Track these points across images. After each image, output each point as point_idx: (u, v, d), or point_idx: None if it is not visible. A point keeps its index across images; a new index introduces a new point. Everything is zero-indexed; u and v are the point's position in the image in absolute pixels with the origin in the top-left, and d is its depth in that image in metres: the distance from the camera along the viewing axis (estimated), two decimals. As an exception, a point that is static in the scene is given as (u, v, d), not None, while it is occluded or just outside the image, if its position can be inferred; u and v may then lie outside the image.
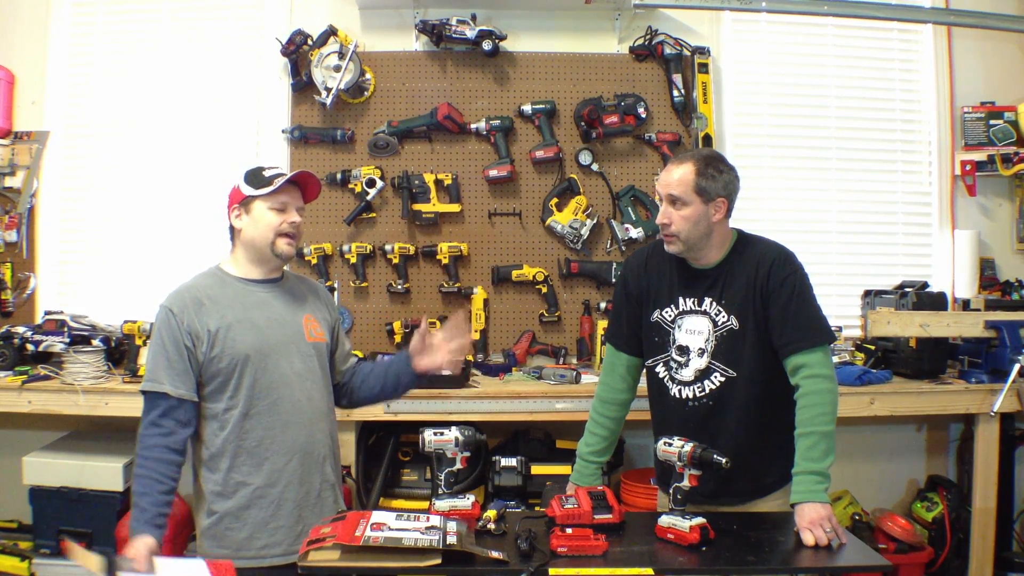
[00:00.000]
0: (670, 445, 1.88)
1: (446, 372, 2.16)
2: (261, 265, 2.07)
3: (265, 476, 1.97)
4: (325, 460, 2.06)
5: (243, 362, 1.95)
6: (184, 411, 1.93)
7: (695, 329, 2.09)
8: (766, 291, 2.03)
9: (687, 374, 2.09)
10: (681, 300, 2.12)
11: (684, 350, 2.10)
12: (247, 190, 2.03)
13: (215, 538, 1.98)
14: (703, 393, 2.07)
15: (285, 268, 2.16)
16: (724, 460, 1.80)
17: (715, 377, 2.06)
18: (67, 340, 3.16)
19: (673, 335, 2.12)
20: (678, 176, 2.05)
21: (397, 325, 3.48)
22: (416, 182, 3.50)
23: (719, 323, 2.06)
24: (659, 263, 2.18)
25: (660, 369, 2.15)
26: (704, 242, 2.07)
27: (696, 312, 2.10)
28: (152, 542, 1.83)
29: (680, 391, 2.10)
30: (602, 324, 3.38)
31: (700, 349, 2.08)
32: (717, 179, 2.04)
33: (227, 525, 1.96)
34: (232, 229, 2.07)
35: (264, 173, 2.05)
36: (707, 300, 2.08)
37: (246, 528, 1.95)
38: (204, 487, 2.00)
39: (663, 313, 2.14)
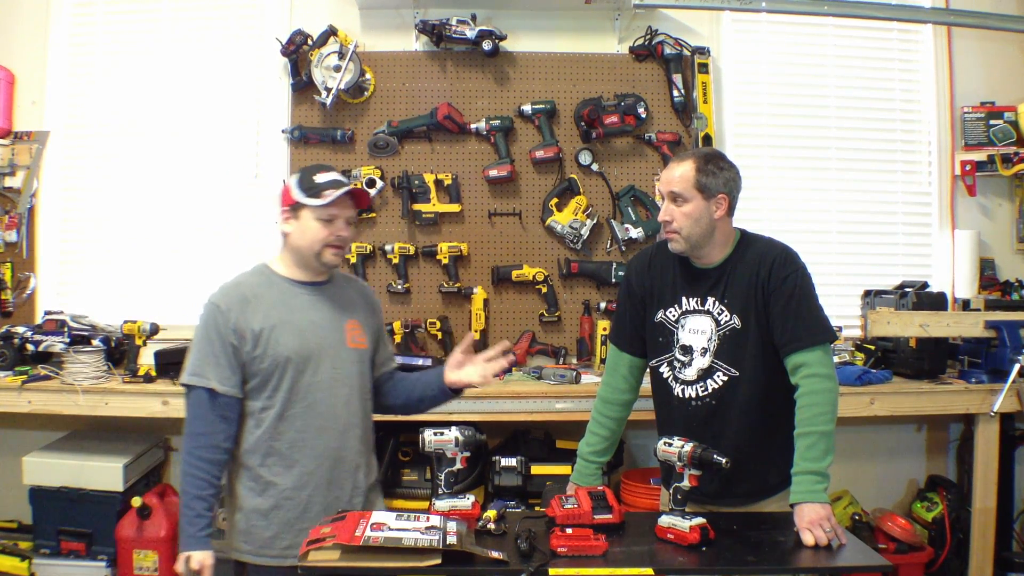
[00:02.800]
0: (670, 445, 1.88)
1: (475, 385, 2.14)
2: (307, 269, 2.06)
3: (295, 478, 1.97)
4: (358, 468, 2.06)
5: (283, 364, 1.96)
6: (229, 407, 1.95)
7: (698, 329, 2.09)
8: (768, 290, 2.03)
9: (690, 373, 2.09)
10: (684, 300, 2.12)
11: (687, 350, 2.10)
12: (297, 195, 1.99)
13: (241, 534, 1.99)
14: (706, 392, 2.08)
15: (333, 271, 2.16)
16: (724, 460, 1.80)
17: (718, 376, 2.06)
18: (67, 340, 3.15)
19: (677, 335, 2.12)
20: (679, 173, 2.05)
21: (397, 325, 3.48)
22: (416, 182, 3.50)
23: (722, 322, 2.07)
24: (662, 263, 2.18)
25: (664, 369, 2.15)
26: (707, 240, 2.07)
27: (699, 312, 2.10)
28: (210, 556, 1.87)
29: (683, 391, 2.10)
30: (602, 324, 3.38)
31: (703, 348, 2.08)
32: (718, 176, 2.05)
33: (253, 522, 1.98)
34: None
35: (316, 179, 2.00)
36: (710, 299, 2.09)
37: (272, 527, 1.96)
38: (235, 483, 2.02)
39: (667, 313, 2.14)
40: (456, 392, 2.15)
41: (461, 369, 2.12)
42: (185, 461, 1.94)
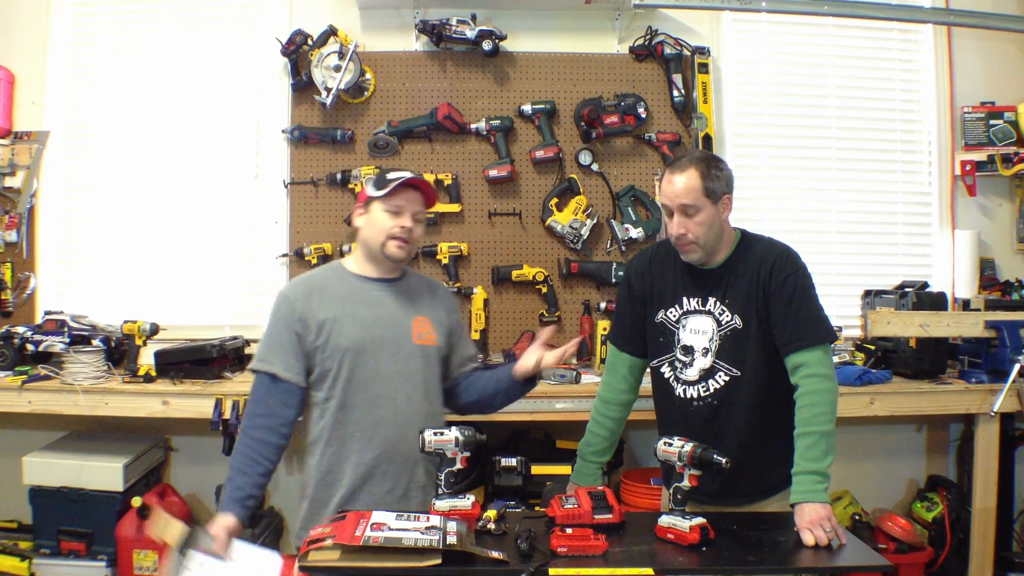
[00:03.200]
0: (670, 445, 1.88)
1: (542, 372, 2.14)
2: (376, 264, 2.12)
3: (352, 468, 2.02)
4: (417, 462, 2.07)
5: (343, 355, 2.02)
6: (291, 394, 2.01)
7: (699, 329, 2.09)
8: (769, 289, 2.03)
9: (691, 374, 2.10)
10: (685, 300, 2.12)
11: (688, 350, 2.10)
12: (370, 191, 2.08)
13: (305, 520, 2.05)
14: (708, 393, 2.08)
15: (407, 268, 2.20)
16: (724, 460, 1.80)
17: (719, 376, 2.06)
18: (67, 340, 3.15)
19: (678, 335, 2.12)
20: (684, 185, 2.03)
21: (397, 325, 3.48)
22: (416, 182, 3.50)
23: (723, 322, 2.07)
24: (663, 263, 2.18)
25: (665, 369, 2.15)
26: (719, 243, 2.08)
27: (700, 312, 2.10)
28: (234, 522, 1.89)
29: (685, 391, 2.10)
30: (602, 324, 3.37)
31: (704, 349, 2.08)
32: (720, 178, 2.05)
33: (315, 510, 2.04)
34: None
35: (387, 175, 2.08)
36: (711, 300, 2.09)
37: (326, 513, 1.99)
38: (306, 471, 2.09)
39: (667, 313, 2.14)
40: (528, 383, 2.16)
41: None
42: (239, 440, 2.02)
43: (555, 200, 3.53)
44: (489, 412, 2.27)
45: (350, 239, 3.51)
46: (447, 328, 2.19)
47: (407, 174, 2.08)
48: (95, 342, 3.16)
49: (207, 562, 1.81)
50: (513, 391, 2.18)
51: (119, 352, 3.25)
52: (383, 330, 2.06)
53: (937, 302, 3.31)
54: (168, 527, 1.84)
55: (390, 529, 1.66)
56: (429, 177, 3.50)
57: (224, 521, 1.89)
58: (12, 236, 3.49)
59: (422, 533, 1.65)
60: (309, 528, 1.98)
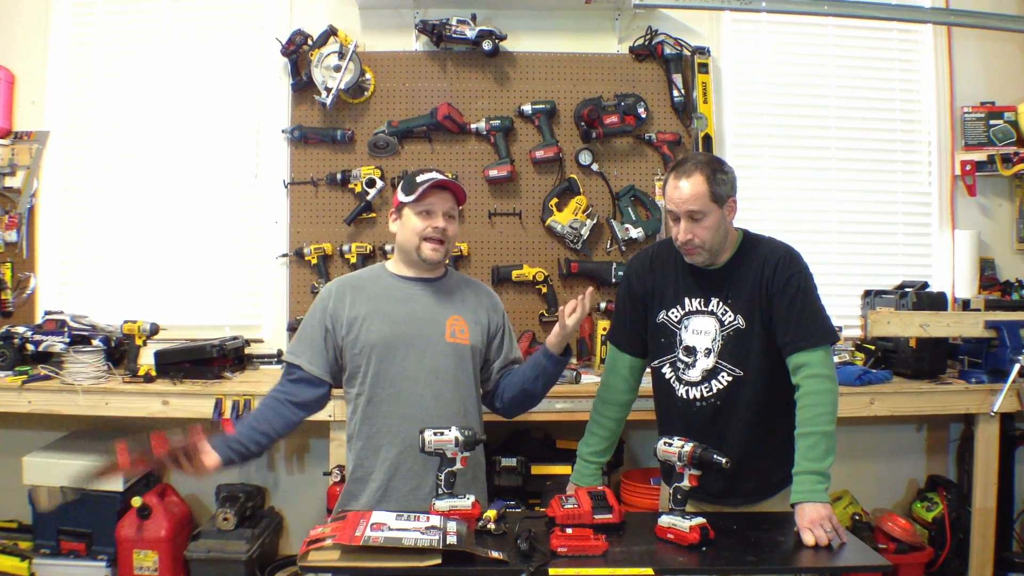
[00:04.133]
0: (670, 445, 1.88)
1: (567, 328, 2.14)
2: (413, 266, 2.15)
3: (379, 463, 2.06)
4: None
5: (371, 351, 2.06)
6: (314, 386, 2.07)
7: (701, 329, 2.09)
8: (771, 290, 2.03)
9: (694, 374, 2.09)
10: (687, 301, 2.12)
11: (691, 351, 2.10)
12: (401, 196, 2.12)
13: (339, 508, 2.10)
14: (710, 393, 2.08)
15: (450, 268, 2.23)
16: (724, 460, 1.80)
17: (722, 377, 2.06)
18: (67, 340, 3.16)
19: (679, 336, 2.12)
20: (691, 191, 2.02)
21: (397, 325, 3.48)
22: (416, 182, 3.50)
23: (726, 323, 2.06)
24: (664, 263, 2.18)
25: (666, 370, 2.15)
26: (724, 245, 2.08)
27: (702, 312, 2.10)
28: (207, 453, 1.90)
29: (687, 392, 2.10)
30: (602, 324, 3.38)
31: (707, 349, 2.08)
32: (725, 181, 2.05)
33: (345, 501, 2.09)
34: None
35: (416, 179, 2.10)
36: (714, 300, 2.09)
37: (357, 507, 2.03)
38: (346, 464, 2.15)
39: (669, 314, 2.14)
40: (565, 354, 2.16)
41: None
42: (256, 407, 2.09)
43: (555, 200, 3.53)
44: (534, 404, 2.24)
45: (350, 239, 3.52)
46: (485, 328, 2.19)
47: (435, 175, 2.10)
48: (95, 342, 3.16)
49: None
50: (551, 367, 2.16)
51: (119, 352, 3.25)
52: (414, 327, 2.08)
53: (937, 302, 3.31)
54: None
55: (390, 529, 1.66)
56: (429, 177, 3.50)
57: (202, 447, 1.90)
58: (12, 236, 3.49)
59: (422, 533, 1.65)
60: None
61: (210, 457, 1.90)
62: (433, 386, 2.07)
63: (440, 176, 2.10)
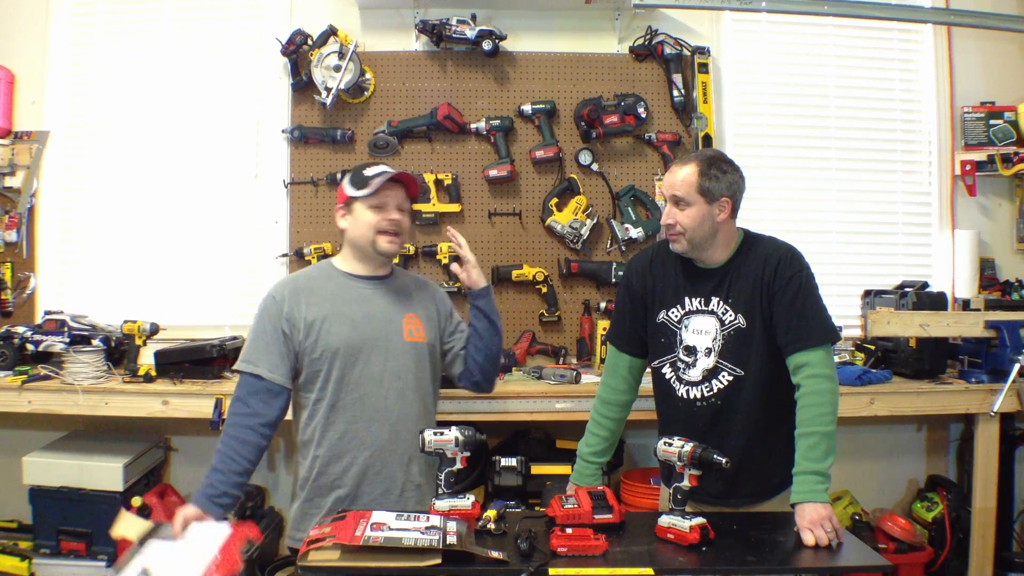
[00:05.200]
0: (670, 445, 1.88)
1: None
2: (366, 262, 2.12)
3: (344, 468, 2.02)
4: (412, 460, 2.08)
5: (334, 355, 2.01)
6: (275, 395, 1.99)
7: (702, 329, 2.09)
8: (772, 289, 2.03)
9: (694, 374, 2.09)
10: (687, 300, 2.12)
11: (691, 350, 2.10)
12: (349, 190, 2.08)
13: (296, 520, 2.05)
14: (711, 393, 2.07)
15: (396, 266, 2.22)
16: (724, 460, 1.80)
17: (723, 376, 2.06)
18: (67, 340, 3.15)
19: (680, 335, 2.12)
20: (681, 177, 2.05)
21: (397, 325, 3.48)
22: (416, 182, 3.50)
23: (726, 322, 2.06)
24: (664, 263, 2.18)
25: (667, 370, 2.15)
26: (709, 242, 2.07)
27: (703, 312, 2.10)
28: (196, 513, 1.87)
29: (688, 391, 2.10)
30: (602, 324, 3.38)
31: (707, 349, 2.08)
32: (720, 179, 2.05)
33: (305, 510, 2.04)
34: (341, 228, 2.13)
35: (365, 172, 2.08)
36: (714, 300, 2.09)
37: (321, 515, 1.99)
38: (297, 472, 2.09)
39: (669, 314, 2.14)
40: (475, 291, 2.22)
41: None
42: (221, 437, 1.99)
43: (555, 200, 3.53)
44: (495, 353, 2.25)
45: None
46: (437, 323, 2.20)
47: (385, 169, 2.07)
48: (95, 342, 3.15)
49: (160, 546, 1.80)
50: (484, 303, 2.21)
51: (119, 352, 3.25)
52: (374, 329, 2.06)
53: (937, 302, 3.31)
54: (131, 524, 1.84)
55: (390, 529, 1.66)
56: (429, 177, 3.50)
57: (185, 511, 1.87)
58: (12, 236, 3.49)
59: (422, 533, 1.65)
60: (301, 529, 2.00)
61: (190, 510, 1.88)
62: (396, 387, 2.06)
63: (392, 170, 2.08)
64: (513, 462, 3.01)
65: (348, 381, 2.02)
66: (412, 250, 3.50)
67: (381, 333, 2.06)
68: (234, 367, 2.05)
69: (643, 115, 3.53)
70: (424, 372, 2.13)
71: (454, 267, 2.25)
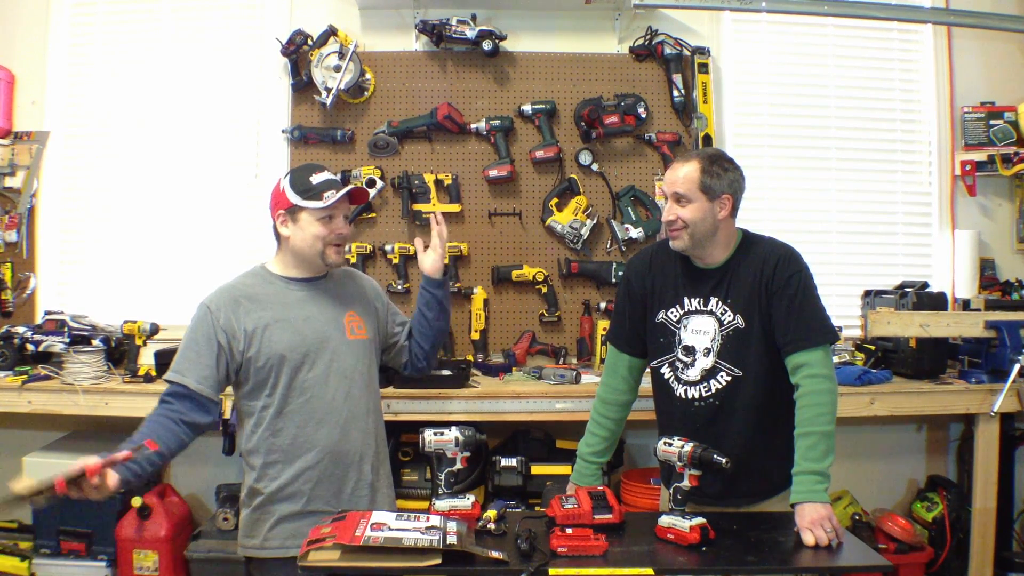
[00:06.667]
0: (670, 445, 1.88)
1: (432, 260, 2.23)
2: (305, 268, 2.07)
3: (296, 472, 1.99)
4: (363, 459, 2.07)
5: (279, 361, 1.97)
6: (202, 406, 1.93)
7: (701, 329, 2.09)
8: (771, 289, 2.03)
9: (693, 374, 2.09)
10: (686, 300, 2.12)
11: (690, 350, 2.10)
12: (293, 198, 2.00)
13: (246, 529, 2.02)
14: (709, 393, 2.07)
15: None
16: (724, 460, 1.80)
17: (721, 377, 2.06)
18: (67, 340, 3.15)
19: (679, 335, 2.12)
20: (683, 174, 2.06)
21: (397, 325, 3.48)
22: (416, 182, 3.50)
23: (725, 322, 2.07)
24: (663, 263, 2.18)
25: (665, 370, 2.15)
26: (709, 239, 2.07)
27: (702, 312, 2.10)
28: (96, 464, 1.85)
29: (686, 391, 2.10)
30: (602, 324, 3.38)
31: (706, 349, 2.08)
32: (722, 177, 2.05)
33: (257, 517, 2.00)
34: (277, 231, 2.06)
35: (312, 180, 2.01)
36: (713, 300, 2.09)
37: (274, 520, 1.98)
38: (245, 480, 2.06)
39: (668, 314, 2.14)
40: (445, 275, 2.23)
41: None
42: (144, 423, 1.92)
43: (555, 200, 3.53)
44: (442, 338, 2.29)
45: (349, 239, 3.51)
46: (375, 317, 2.19)
47: (331, 178, 2.03)
48: (95, 342, 3.16)
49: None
50: (440, 292, 2.21)
51: (119, 352, 3.25)
52: (317, 331, 2.02)
53: (937, 302, 3.31)
54: (25, 481, 1.82)
55: (390, 529, 1.66)
56: (429, 177, 3.50)
57: (85, 459, 1.83)
58: (12, 236, 3.49)
59: (422, 533, 1.65)
60: (252, 536, 1.99)
61: (112, 478, 1.85)
62: (342, 387, 2.04)
63: (339, 183, 2.03)
64: (513, 462, 3.04)
65: (295, 386, 1.98)
66: (412, 250, 3.50)
67: (324, 335, 2.03)
68: (164, 376, 1.97)
69: (643, 115, 3.53)
70: (369, 369, 2.12)
71: (420, 247, 2.26)
